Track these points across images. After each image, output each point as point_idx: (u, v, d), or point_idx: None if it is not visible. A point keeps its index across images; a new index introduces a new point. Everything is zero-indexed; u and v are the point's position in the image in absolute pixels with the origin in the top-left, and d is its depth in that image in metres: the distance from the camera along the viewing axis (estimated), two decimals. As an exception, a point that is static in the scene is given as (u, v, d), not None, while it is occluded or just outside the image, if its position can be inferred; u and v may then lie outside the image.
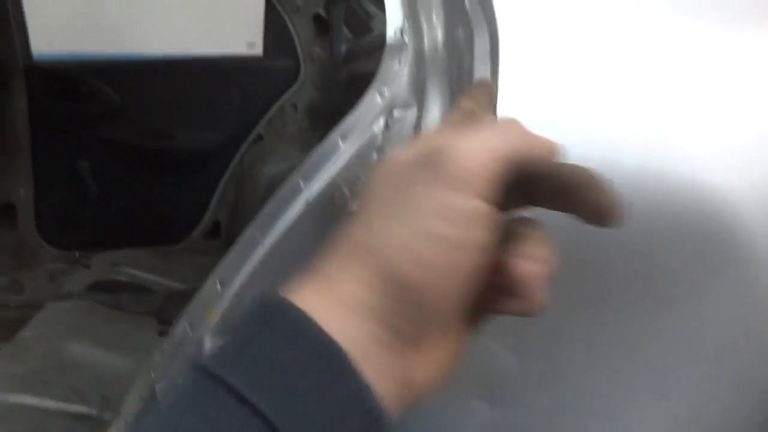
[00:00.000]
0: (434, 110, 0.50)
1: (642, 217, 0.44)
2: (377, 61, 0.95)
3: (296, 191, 0.53)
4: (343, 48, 2.05)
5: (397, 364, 0.27)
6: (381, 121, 0.53)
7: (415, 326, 0.27)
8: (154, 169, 2.18)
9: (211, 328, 0.54)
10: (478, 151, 0.27)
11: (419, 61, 0.51)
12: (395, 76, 0.52)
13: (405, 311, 0.26)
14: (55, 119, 2.07)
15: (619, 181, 0.44)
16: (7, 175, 2.06)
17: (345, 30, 2.05)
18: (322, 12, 2.07)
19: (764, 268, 0.46)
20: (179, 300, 1.75)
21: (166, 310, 1.61)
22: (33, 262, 2.14)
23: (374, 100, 0.53)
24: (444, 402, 0.41)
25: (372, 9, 2.03)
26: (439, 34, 0.49)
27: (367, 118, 0.53)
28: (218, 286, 0.54)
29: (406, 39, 0.52)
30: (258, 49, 2.19)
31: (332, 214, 0.52)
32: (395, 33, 0.53)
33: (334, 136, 0.53)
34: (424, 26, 0.48)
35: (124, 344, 1.39)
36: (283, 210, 0.53)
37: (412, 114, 0.52)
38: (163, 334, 1.51)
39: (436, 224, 0.26)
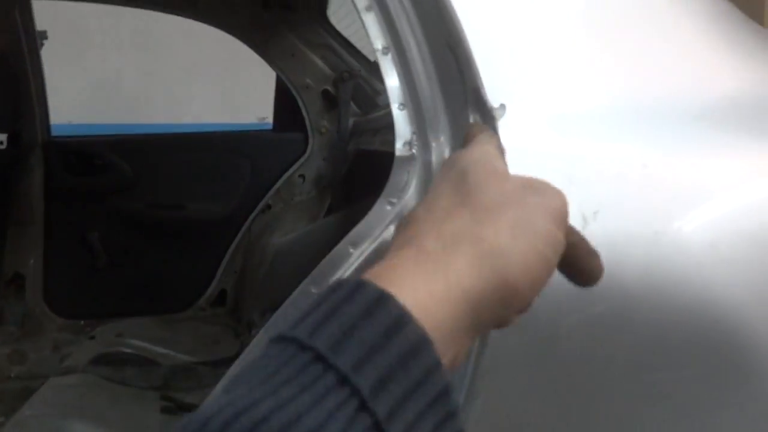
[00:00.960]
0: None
1: (660, 333, 0.45)
2: (383, 137, 0.97)
3: (307, 298, 0.54)
4: (351, 122, 2.12)
5: (464, 346, 0.31)
6: (391, 229, 0.55)
7: (495, 321, 0.32)
8: (164, 239, 2.21)
9: None
10: (565, 202, 0.35)
11: (427, 172, 0.54)
12: (404, 186, 0.55)
13: (496, 308, 0.31)
14: (68, 192, 2.12)
15: (631, 293, 0.45)
16: (18, 246, 2.08)
17: (352, 105, 2.13)
18: (330, 88, 2.15)
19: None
20: (183, 374, 1.73)
21: (170, 385, 1.59)
22: (38, 331, 2.12)
23: (383, 209, 0.55)
24: None
25: (379, 86, 2.11)
26: (447, 150, 0.51)
27: (377, 226, 0.54)
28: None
29: (414, 152, 0.54)
30: (268, 123, 2.27)
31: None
32: (404, 146, 0.55)
33: (345, 244, 0.55)
34: (432, 143, 0.51)
35: (124, 425, 1.36)
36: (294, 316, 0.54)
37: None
38: (165, 410, 1.48)
39: (548, 251, 0.32)
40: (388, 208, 0.55)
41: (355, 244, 0.55)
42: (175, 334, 2.02)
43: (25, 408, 1.40)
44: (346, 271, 0.54)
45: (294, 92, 2.17)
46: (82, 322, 2.15)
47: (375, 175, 0.75)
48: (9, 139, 1.90)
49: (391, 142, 0.59)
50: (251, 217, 2.25)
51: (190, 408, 1.43)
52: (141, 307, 2.18)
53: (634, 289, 0.46)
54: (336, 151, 2.16)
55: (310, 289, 0.55)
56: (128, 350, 1.80)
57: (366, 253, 0.55)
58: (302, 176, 2.25)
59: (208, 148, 2.19)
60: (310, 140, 2.24)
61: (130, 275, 2.18)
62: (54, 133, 2.11)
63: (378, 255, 0.54)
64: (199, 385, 1.57)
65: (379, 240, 0.55)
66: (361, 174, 1.99)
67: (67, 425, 1.33)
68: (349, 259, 0.54)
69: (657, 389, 0.45)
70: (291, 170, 2.24)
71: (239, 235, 2.26)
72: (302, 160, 2.24)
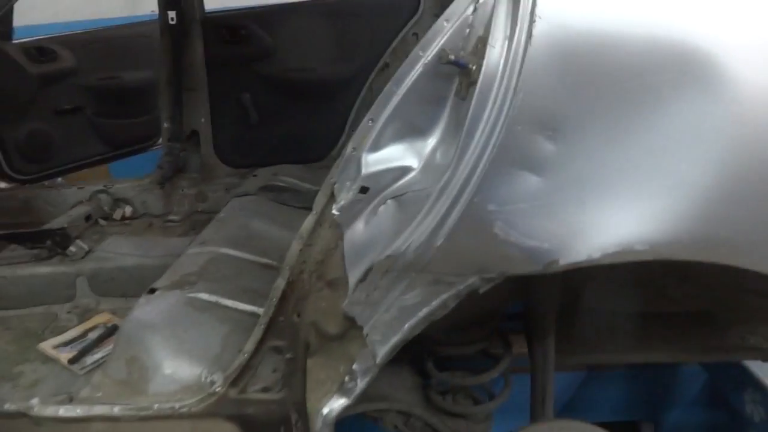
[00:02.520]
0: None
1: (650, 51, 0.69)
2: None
3: (417, 58, 0.85)
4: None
5: None
6: (472, 7, 0.82)
7: None
8: (300, 99, 2.61)
9: (366, 149, 0.90)
10: None
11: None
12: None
13: None
14: (222, 60, 2.57)
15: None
16: (192, 108, 2.62)
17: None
18: (440, -54, 2.29)
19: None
20: (328, 197, 2.18)
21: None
22: (212, 177, 2.70)
23: (468, -5, 0.82)
24: (500, 172, 0.71)
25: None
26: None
27: (463, 5, 0.82)
28: (369, 122, 0.89)
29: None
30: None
31: (440, 69, 0.83)
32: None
33: (441, 19, 0.84)
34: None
35: (291, 225, 1.84)
36: (409, 71, 0.86)
37: (490, 2, 0.80)
38: (317, 220, 1.95)
39: None
40: (470, -6, 0.82)
41: (448, 19, 0.83)
42: (315, 176, 2.48)
43: (221, 213, 1.95)
44: (443, 37, 0.83)
45: (404, -50, 2.34)
46: (245, 170, 2.69)
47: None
48: (177, 15, 2.36)
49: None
50: (371, 76, 2.55)
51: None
52: (287, 157, 2.65)
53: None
54: (445, 8, 2.33)
55: (419, 53, 0.85)
56: (283, 184, 2.30)
57: (455, 26, 0.83)
58: (416, 34, 2.48)
59: (331, 14, 2.48)
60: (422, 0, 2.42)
61: (276, 131, 2.64)
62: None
63: (462, 26, 0.82)
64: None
65: (464, 15, 0.82)
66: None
67: (250, 222, 1.85)
68: (444, 29, 0.83)
69: (646, 89, 0.70)
70: (405, 29, 2.47)
71: (362, 93, 2.58)
72: (415, 18, 2.45)
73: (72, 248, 1.98)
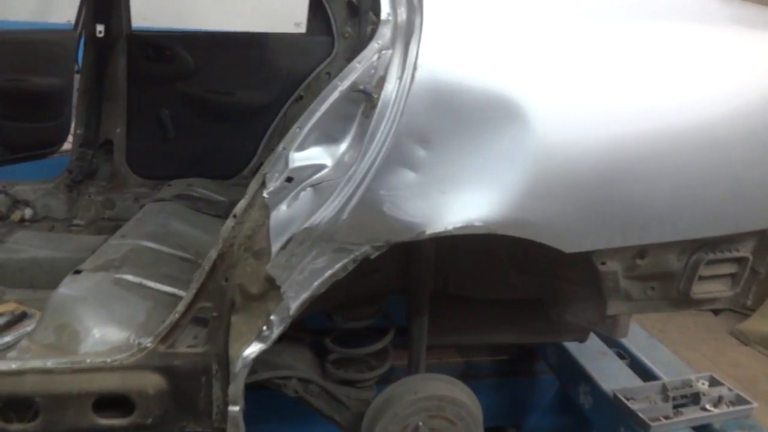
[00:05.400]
0: (399, 50, 1.15)
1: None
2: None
3: (336, 86, 1.21)
4: (369, 29, 2.70)
5: None
6: (377, 55, 1.20)
7: None
8: (217, 119, 2.87)
9: (293, 149, 1.22)
10: None
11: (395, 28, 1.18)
12: (384, 36, 1.19)
13: None
14: (145, 76, 2.77)
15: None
16: (108, 118, 2.77)
17: (371, 14, 2.70)
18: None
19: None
20: (240, 208, 2.43)
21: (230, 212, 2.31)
22: (122, 186, 2.83)
23: (374, 46, 1.20)
24: (389, 168, 1.08)
25: (393, -1, 2.67)
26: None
27: (371, 52, 1.19)
28: (297, 129, 1.22)
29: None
30: (302, 28, 2.87)
31: (351, 95, 1.19)
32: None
33: (354, 62, 1.21)
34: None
35: (206, 228, 2.08)
36: (329, 94, 1.21)
37: (389, 53, 1.18)
38: (231, 226, 2.20)
39: None
40: (376, 45, 1.20)
41: (360, 62, 1.20)
42: (226, 191, 2.73)
43: (138, 214, 2.13)
44: (356, 73, 1.19)
45: (324, 2, 2.75)
46: (155, 182, 2.85)
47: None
48: (105, 29, 2.55)
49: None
50: (286, 106, 2.88)
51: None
52: (199, 172, 2.86)
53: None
54: (357, 53, 2.75)
55: (336, 82, 1.21)
56: (196, 194, 2.52)
57: (364, 67, 1.20)
58: (328, 73, 2.87)
59: (253, 46, 2.81)
60: (336, 43, 2.83)
61: (191, 147, 2.86)
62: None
63: (369, 67, 1.19)
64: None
65: (370, 61, 1.19)
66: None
67: (169, 222, 2.06)
68: (357, 69, 1.20)
69: (481, 120, 1.10)
70: (319, 68, 2.85)
71: (276, 120, 2.90)
72: (329, 59, 2.84)
73: (-19, 238, 2.05)
